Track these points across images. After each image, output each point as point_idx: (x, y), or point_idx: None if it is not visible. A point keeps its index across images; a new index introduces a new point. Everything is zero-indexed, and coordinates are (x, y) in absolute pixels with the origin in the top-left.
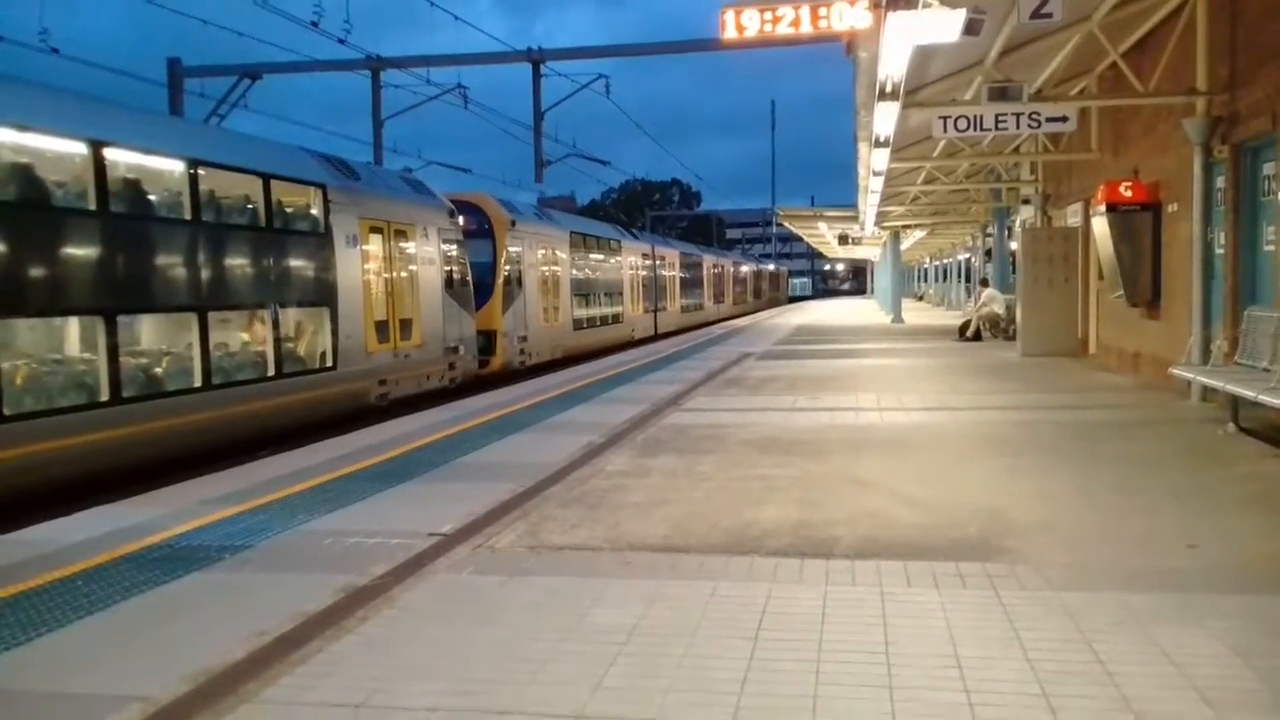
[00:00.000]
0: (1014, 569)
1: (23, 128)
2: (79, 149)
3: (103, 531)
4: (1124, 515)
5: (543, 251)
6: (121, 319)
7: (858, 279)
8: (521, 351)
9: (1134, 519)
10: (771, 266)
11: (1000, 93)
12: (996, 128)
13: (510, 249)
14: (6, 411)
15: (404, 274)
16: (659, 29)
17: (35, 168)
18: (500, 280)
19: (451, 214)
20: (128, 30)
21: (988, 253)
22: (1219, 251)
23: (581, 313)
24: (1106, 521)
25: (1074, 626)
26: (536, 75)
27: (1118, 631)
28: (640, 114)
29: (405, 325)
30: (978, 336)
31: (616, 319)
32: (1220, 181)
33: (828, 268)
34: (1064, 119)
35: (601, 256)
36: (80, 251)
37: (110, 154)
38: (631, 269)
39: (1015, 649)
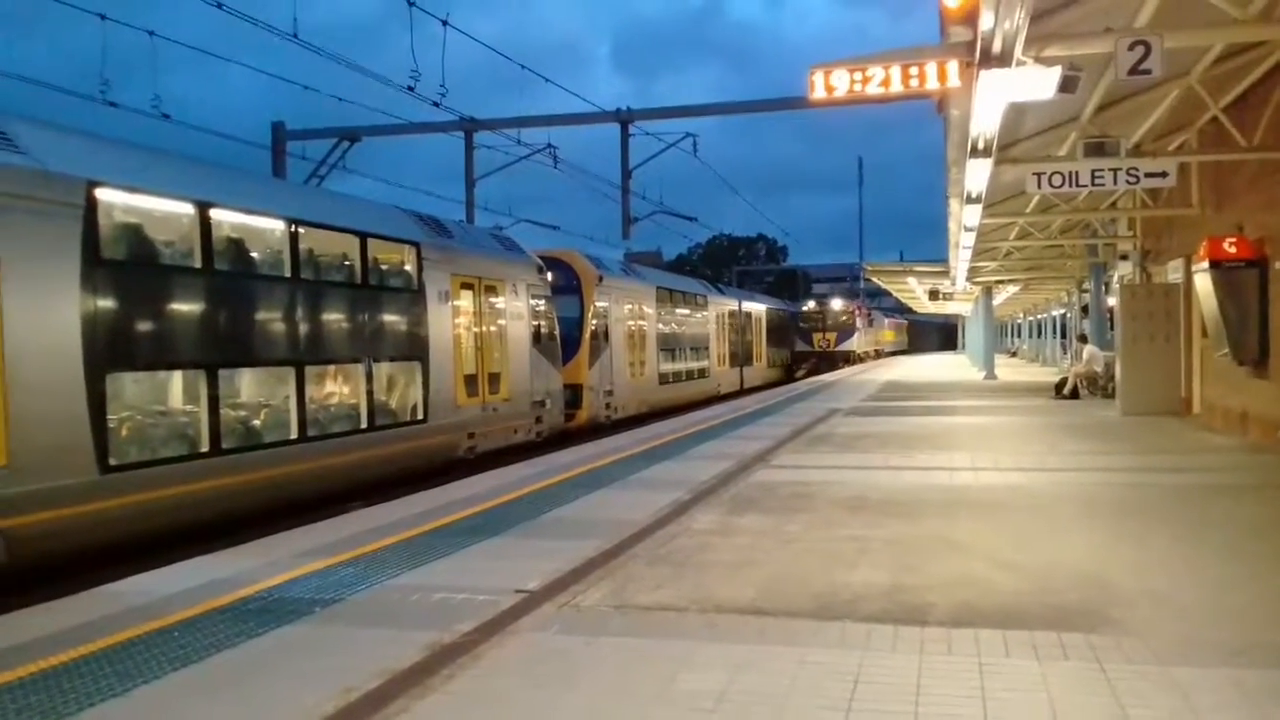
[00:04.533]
0: (1119, 640)
1: (134, 189)
2: (186, 210)
3: (199, 583)
4: (1233, 584)
5: (629, 306)
6: (223, 373)
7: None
8: (607, 406)
9: (1244, 588)
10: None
11: (1097, 148)
12: (1093, 184)
13: (597, 304)
14: (112, 462)
15: (493, 329)
16: (779, 90)
17: (145, 228)
18: (587, 335)
19: (540, 270)
20: (235, 97)
21: (1084, 309)
22: None
23: (667, 367)
24: (1215, 591)
25: (1185, 704)
26: (625, 134)
27: (1231, 711)
28: (739, 170)
29: (494, 379)
30: (1075, 394)
31: (702, 374)
32: None
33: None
34: (1164, 174)
35: (687, 311)
36: (186, 308)
37: (215, 214)
38: (717, 323)
39: None
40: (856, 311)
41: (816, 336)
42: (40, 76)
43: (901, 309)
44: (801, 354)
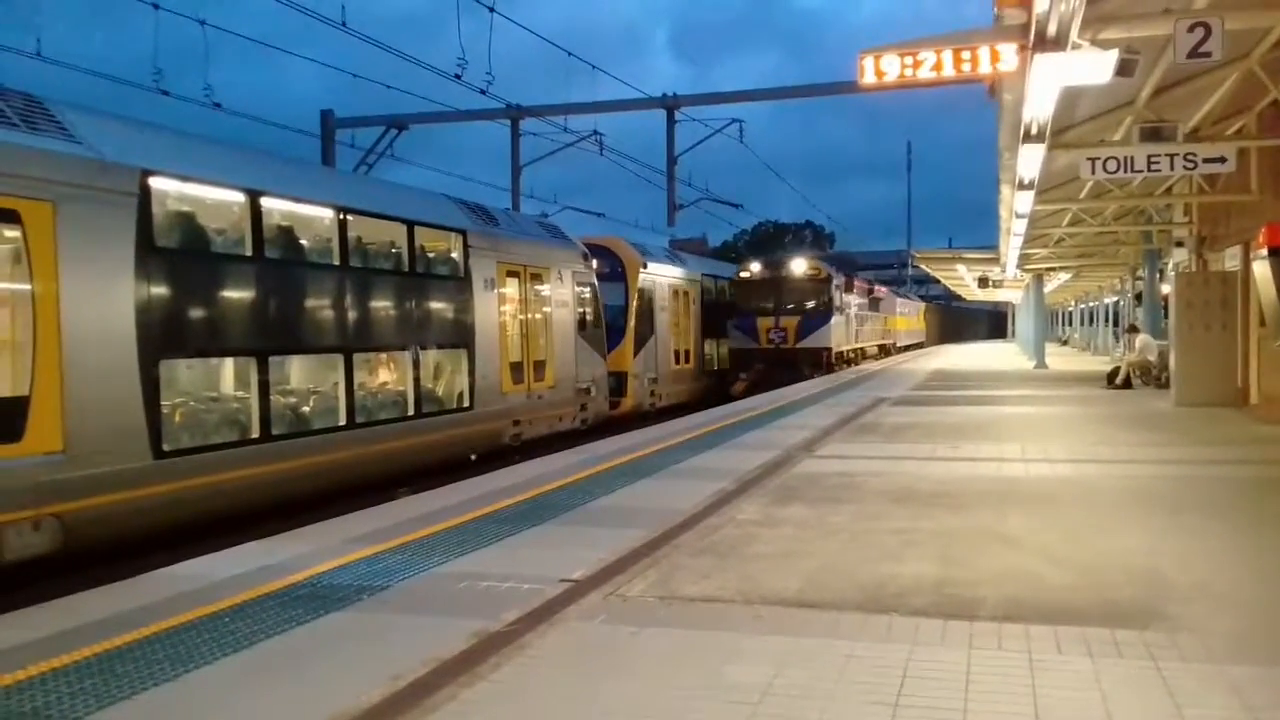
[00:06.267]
0: (1174, 638)
1: (186, 178)
2: (237, 198)
3: (249, 568)
4: None
5: (674, 293)
6: (273, 360)
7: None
8: (652, 394)
9: None
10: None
11: (1153, 133)
12: (1149, 169)
13: (642, 291)
14: (166, 448)
15: (538, 316)
16: (836, 76)
17: (198, 216)
18: (632, 322)
19: (585, 257)
20: (285, 86)
21: (1138, 296)
22: None
23: (712, 355)
24: (1273, 588)
25: (1241, 704)
26: (670, 121)
27: None
28: (791, 157)
29: (539, 366)
30: (1128, 384)
31: None
32: None
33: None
34: (1222, 160)
35: None
36: (237, 295)
37: (266, 203)
38: None
39: None
40: (836, 283)
41: (763, 324)
42: (95, 66)
43: (950, 296)
44: (739, 355)
